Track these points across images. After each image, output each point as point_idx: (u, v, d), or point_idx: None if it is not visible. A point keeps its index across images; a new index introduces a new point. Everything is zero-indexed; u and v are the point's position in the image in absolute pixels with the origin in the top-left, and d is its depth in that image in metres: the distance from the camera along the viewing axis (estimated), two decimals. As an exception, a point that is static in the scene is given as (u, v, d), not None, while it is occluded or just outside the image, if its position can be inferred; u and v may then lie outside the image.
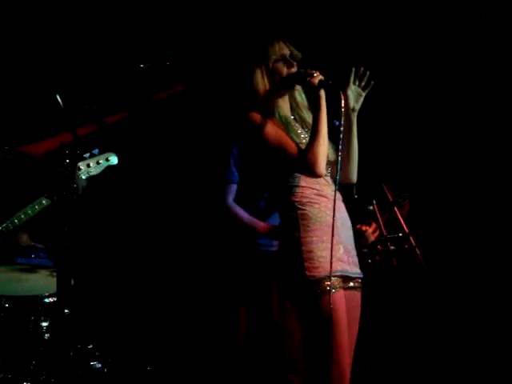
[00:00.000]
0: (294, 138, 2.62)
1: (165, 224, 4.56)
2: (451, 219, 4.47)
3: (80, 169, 3.28)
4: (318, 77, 2.59)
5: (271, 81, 2.65)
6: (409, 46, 4.41)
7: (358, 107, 2.70)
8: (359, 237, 3.68)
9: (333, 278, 2.49)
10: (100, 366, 3.39)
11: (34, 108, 4.19)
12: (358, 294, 2.67)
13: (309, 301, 2.51)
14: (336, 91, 2.58)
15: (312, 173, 2.56)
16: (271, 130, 2.59)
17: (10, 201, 3.78)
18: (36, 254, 3.46)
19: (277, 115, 2.67)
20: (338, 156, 2.57)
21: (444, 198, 4.50)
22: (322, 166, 2.55)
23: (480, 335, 4.09)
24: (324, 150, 2.56)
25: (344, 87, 2.66)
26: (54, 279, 3.08)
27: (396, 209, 3.59)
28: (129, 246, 4.43)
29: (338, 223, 2.57)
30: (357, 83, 2.68)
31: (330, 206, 2.58)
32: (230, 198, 3.72)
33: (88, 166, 3.30)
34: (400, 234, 3.56)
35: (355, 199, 3.54)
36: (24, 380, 3.17)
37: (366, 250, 3.79)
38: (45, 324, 3.31)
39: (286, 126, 2.65)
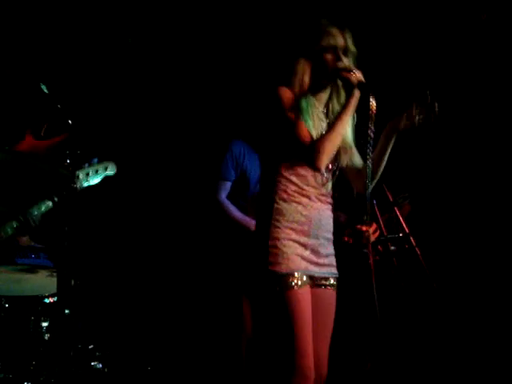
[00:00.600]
0: (310, 127, 2.60)
1: (165, 221, 4.57)
2: (451, 219, 4.47)
3: (78, 178, 3.21)
4: (356, 76, 2.56)
5: (314, 68, 2.63)
6: (408, 46, 4.40)
7: (401, 129, 2.69)
8: (359, 237, 3.68)
9: (295, 275, 2.53)
10: (100, 366, 3.40)
11: (33, 108, 4.19)
12: (329, 292, 2.69)
13: (272, 294, 2.55)
14: (367, 94, 2.56)
15: (311, 163, 2.56)
16: (291, 110, 2.58)
17: (9, 201, 3.78)
18: (36, 254, 3.46)
19: (303, 100, 2.63)
20: (366, 161, 2.58)
21: (444, 198, 4.50)
22: (323, 160, 2.54)
23: (480, 335, 4.09)
24: (332, 146, 2.56)
25: (407, 102, 2.66)
26: (54, 279, 3.07)
27: (396, 209, 3.60)
28: (129, 246, 4.43)
29: (311, 224, 2.61)
30: (418, 111, 2.67)
31: (310, 207, 2.61)
32: (223, 195, 3.75)
33: (87, 175, 3.24)
34: (400, 234, 3.56)
35: (354, 200, 3.55)
36: (24, 380, 3.17)
37: (366, 250, 3.79)
38: (45, 324, 3.31)
39: (305, 112, 2.63)
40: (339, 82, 2.67)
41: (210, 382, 4.07)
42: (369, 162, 2.61)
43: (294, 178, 2.62)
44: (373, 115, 2.56)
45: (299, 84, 2.63)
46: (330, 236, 2.73)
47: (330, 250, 2.72)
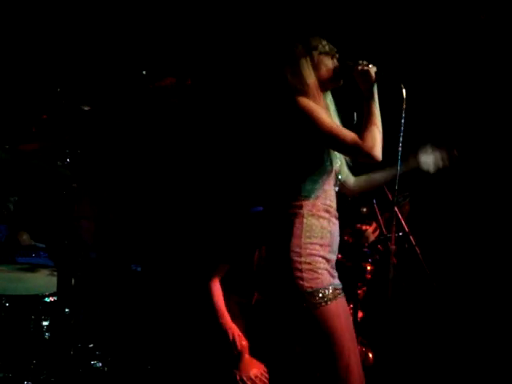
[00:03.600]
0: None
1: (165, 221, 4.57)
2: (451, 219, 4.47)
3: None
4: (373, 67, 2.58)
5: (317, 72, 2.64)
6: (408, 47, 4.41)
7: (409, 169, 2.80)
8: (359, 237, 3.69)
9: (330, 289, 2.53)
10: (100, 365, 3.40)
11: (34, 108, 4.20)
12: (344, 300, 2.68)
13: (307, 312, 2.52)
14: (395, 85, 2.56)
15: (369, 157, 2.52)
16: (325, 114, 2.56)
17: (9, 201, 3.78)
18: (36, 253, 3.46)
19: (324, 104, 2.66)
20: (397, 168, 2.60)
21: (444, 198, 4.50)
22: (379, 150, 2.53)
23: (480, 334, 4.09)
24: (379, 136, 2.54)
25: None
26: (55, 278, 3.08)
27: (396, 208, 3.60)
28: (129, 245, 4.43)
29: (333, 240, 2.62)
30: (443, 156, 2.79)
31: (331, 222, 2.62)
32: None
33: None
34: (400, 234, 3.57)
35: (350, 201, 3.56)
36: (24, 379, 3.16)
37: (366, 250, 3.80)
38: (45, 323, 3.30)
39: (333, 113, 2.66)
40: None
41: (209, 382, 4.07)
42: (399, 157, 2.61)
43: (319, 193, 2.60)
44: (404, 107, 2.56)
45: (315, 90, 2.62)
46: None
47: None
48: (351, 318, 2.71)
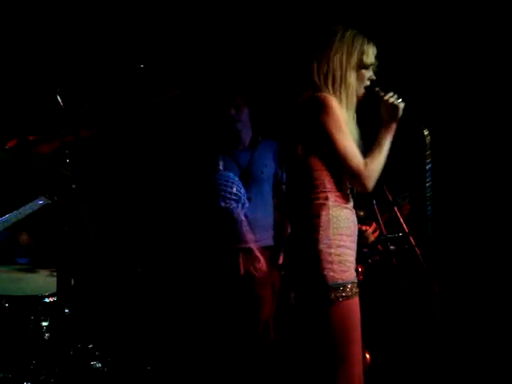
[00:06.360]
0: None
1: (165, 221, 4.56)
2: (451, 219, 4.46)
3: None
4: (401, 104, 2.61)
5: (357, 85, 2.65)
6: (408, 47, 4.41)
7: None
8: (359, 237, 3.68)
9: (355, 283, 2.53)
10: (100, 365, 3.40)
11: (34, 108, 4.20)
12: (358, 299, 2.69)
13: (330, 304, 2.50)
14: (418, 129, 2.64)
15: (364, 187, 2.56)
16: (346, 128, 2.56)
17: (9, 201, 3.78)
18: (36, 253, 3.46)
19: (349, 118, 2.65)
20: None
21: (444, 198, 4.50)
22: (374, 183, 2.56)
23: (480, 335, 4.09)
24: (380, 169, 2.57)
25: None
26: (54, 279, 3.08)
27: (396, 209, 3.60)
28: (129, 245, 4.43)
29: (356, 231, 2.63)
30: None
31: (353, 213, 2.64)
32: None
33: None
34: (400, 234, 3.56)
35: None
36: (24, 380, 3.16)
37: (366, 250, 3.80)
38: (45, 324, 3.31)
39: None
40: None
41: (210, 382, 4.07)
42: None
43: (343, 185, 2.61)
44: (429, 152, 2.66)
45: (351, 101, 2.63)
46: None
47: None
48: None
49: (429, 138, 2.67)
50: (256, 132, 4.12)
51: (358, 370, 2.52)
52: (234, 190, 3.78)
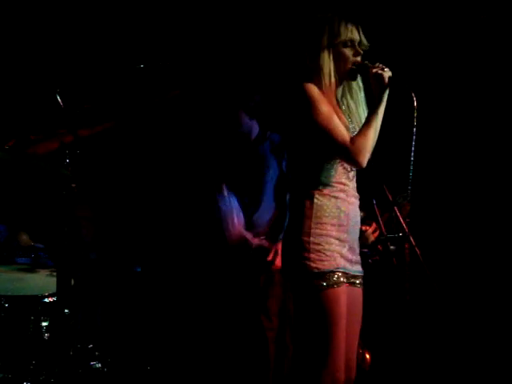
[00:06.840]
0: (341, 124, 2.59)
1: (165, 221, 4.56)
2: (451, 219, 4.46)
3: None
4: (388, 72, 2.57)
5: (336, 64, 2.61)
6: (408, 47, 4.40)
7: None
8: (359, 237, 3.68)
9: (337, 273, 2.52)
10: (100, 365, 3.39)
11: (34, 108, 4.20)
12: (359, 291, 2.67)
13: (310, 292, 2.52)
14: (406, 92, 2.57)
15: (354, 162, 2.55)
16: (325, 107, 2.54)
17: (9, 201, 3.78)
18: (36, 253, 3.46)
19: (334, 99, 2.64)
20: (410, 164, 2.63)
21: (444, 198, 4.50)
22: (365, 157, 2.54)
23: (480, 335, 4.09)
24: (372, 143, 2.56)
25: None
26: (54, 279, 3.09)
27: (396, 209, 3.59)
28: (128, 245, 4.43)
29: (350, 221, 2.61)
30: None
31: (347, 202, 2.61)
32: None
33: None
34: (400, 234, 3.56)
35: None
36: (24, 380, 3.17)
37: (366, 250, 3.80)
38: (45, 324, 3.31)
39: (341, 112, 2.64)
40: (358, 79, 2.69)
41: (210, 382, 4.07)
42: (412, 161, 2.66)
43: (333, 173, 2.59)
44: (416, 114, 2.57)
45: (328, 80, 2.59)
46: (359, 232, 2.73)
47: (359, 247, 2.72)
48: (358, 311, 2.68)
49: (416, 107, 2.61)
50: (264, 127, 4.06)
51: (338, 366, 2.51)
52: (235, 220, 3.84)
